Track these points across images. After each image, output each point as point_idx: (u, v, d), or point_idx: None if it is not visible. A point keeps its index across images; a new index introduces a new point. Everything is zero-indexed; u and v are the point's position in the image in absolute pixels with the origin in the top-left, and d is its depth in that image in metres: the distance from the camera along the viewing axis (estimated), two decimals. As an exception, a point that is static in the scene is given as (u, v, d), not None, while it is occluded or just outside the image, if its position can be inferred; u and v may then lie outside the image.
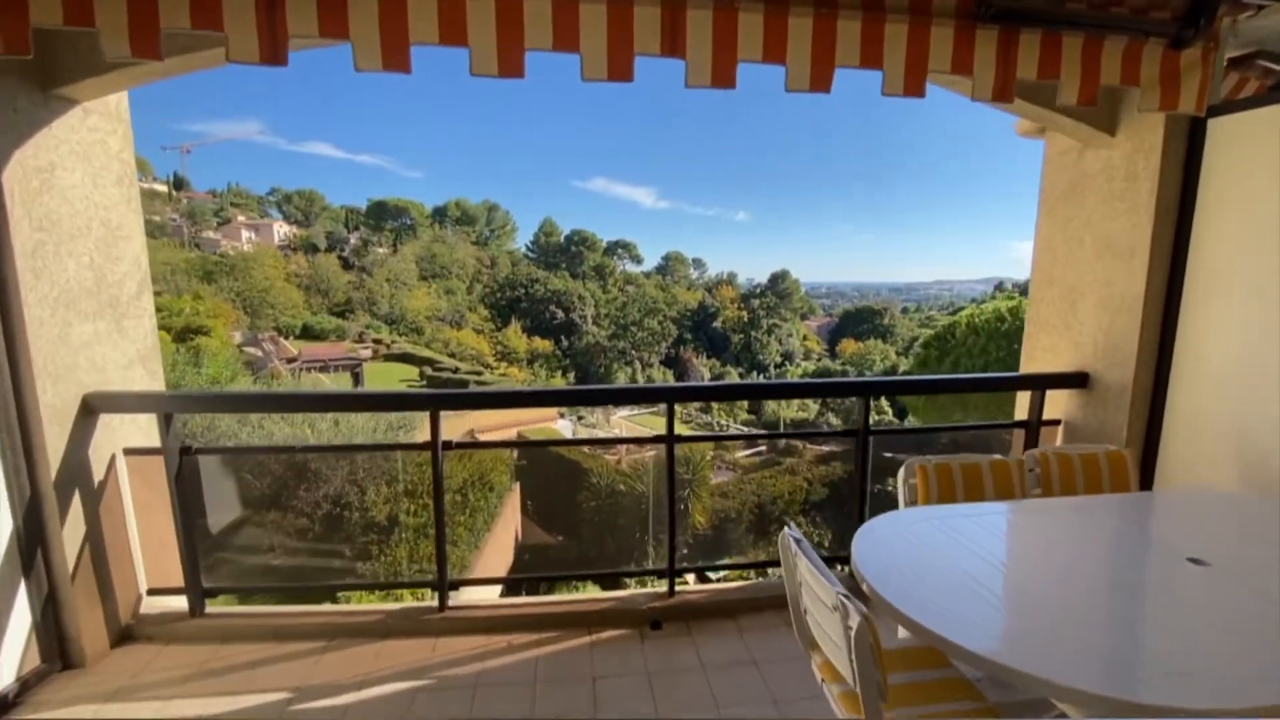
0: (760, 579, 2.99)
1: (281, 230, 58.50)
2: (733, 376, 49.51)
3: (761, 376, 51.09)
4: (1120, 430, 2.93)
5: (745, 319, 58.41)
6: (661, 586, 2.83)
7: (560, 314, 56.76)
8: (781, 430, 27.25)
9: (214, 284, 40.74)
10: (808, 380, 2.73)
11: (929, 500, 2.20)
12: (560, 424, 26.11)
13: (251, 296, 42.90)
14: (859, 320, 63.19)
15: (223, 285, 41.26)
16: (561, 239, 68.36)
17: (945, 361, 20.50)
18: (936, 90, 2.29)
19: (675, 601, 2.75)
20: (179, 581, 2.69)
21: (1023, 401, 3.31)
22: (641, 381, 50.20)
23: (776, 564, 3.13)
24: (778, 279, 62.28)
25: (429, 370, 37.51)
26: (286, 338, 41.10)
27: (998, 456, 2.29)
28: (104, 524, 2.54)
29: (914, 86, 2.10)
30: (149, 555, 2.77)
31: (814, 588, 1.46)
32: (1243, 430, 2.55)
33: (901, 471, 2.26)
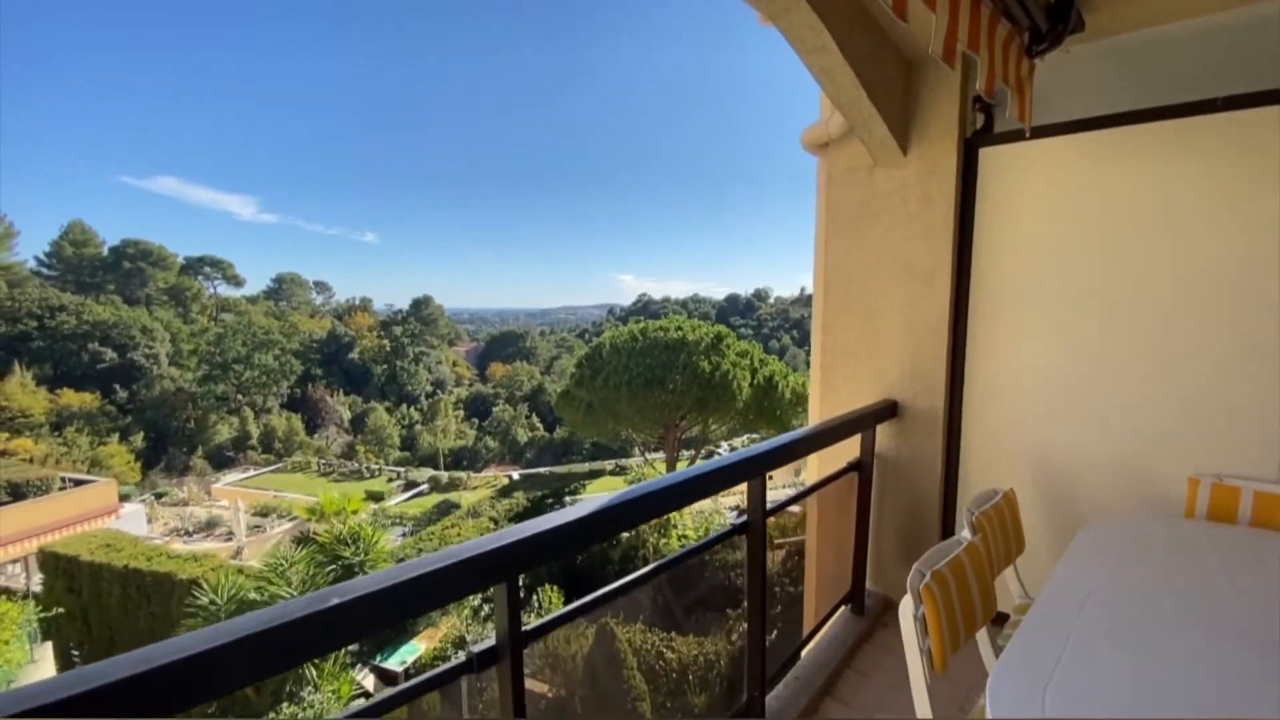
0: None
1: None
2: (379, 412, 44.04)
3: (413, 408, 47.02)
4: (934, 459, 2.84)
5: (388, 348, 52.99)
6: None
7: (109, 354, 40.70)
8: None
9: None
10: (700, 470, 1.66)
11: (940, 624, 1.47)
12: (129, 511, 18.08)
13: None
14: (505, 344, 64.82)
15: None
16: (104, 251, 49.33)
17: (599, 377, 22.46)
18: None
19: None
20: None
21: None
22: (256, 433, 40.16)
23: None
24: (420, 305, 58.77)
25: None
26: None
27: (966, 538, 1.73)
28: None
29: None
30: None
31: None
32: (1035, 447, 2.68)
33: (907, 602, 1.47)
